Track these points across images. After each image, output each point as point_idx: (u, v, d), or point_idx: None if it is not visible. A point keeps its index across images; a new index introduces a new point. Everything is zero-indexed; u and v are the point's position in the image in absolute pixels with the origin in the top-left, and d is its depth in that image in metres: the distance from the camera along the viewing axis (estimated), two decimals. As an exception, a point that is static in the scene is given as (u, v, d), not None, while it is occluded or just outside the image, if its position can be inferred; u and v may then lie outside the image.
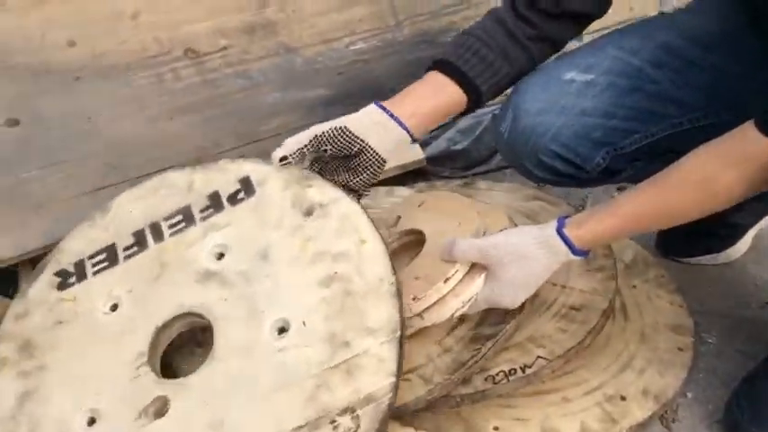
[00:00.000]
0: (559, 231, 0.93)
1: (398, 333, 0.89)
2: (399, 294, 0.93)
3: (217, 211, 1.06)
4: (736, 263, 1.35)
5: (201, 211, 1.07)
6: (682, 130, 1.08)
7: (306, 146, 1.02)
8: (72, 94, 1.30)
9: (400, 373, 0.88)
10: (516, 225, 1.09)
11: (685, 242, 1.36)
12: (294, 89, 1.48)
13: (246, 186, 1.07)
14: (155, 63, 1.37)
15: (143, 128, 1.34)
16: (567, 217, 0.95)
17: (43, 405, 0.96)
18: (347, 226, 1.00)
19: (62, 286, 1.06)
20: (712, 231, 1.34)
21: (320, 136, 1.01)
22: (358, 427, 0.83)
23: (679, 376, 1.11)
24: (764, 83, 0.84)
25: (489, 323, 1.06)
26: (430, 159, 1.55)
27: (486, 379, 1.03)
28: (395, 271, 0.95)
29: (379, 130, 1.01)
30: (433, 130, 1.58)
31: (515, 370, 1.04)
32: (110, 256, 1.07)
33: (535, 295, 1.04)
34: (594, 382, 1.09)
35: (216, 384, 0.91)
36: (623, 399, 1.06)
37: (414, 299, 0.98)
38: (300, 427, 0.84)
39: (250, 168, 1.10)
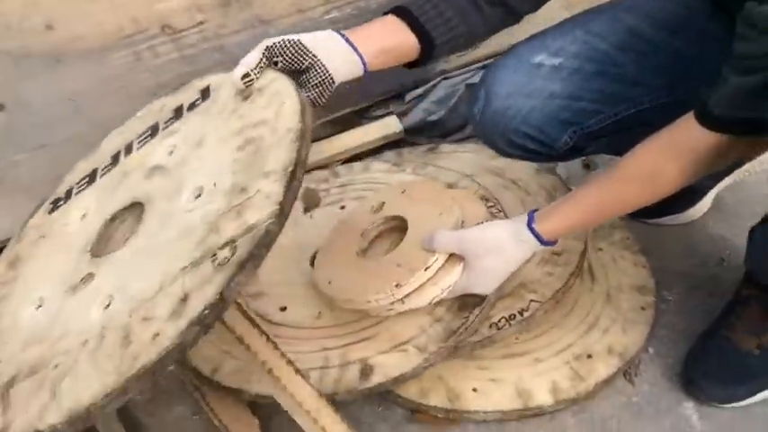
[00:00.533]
0: (530, 226, 1.02)
1: (290, 169, 0.87)
2: (303, 138, 0.90)
3: (177, 120, 1.10)
4: (697, 222, 1.43)
5: (165, 123, 1.11)
6: (643, 108, 1.14)
7: (261, 59, 1.00)
8: (54, 76, 1.32)
9: (288, 204, 0.85)
10: (492, 214, 1.22)
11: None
12: (272, 62, 1.50)
13: (204, 94, 1.11)
14: (132, 42, 1.39)
15: (125, 106, 1.34)
16: (535, 211, 1.04)
17: (7, 307, 1.02)
18: (275, 99, 0.98)
19: (53, 210, 1.13)
20: (675, 193, 1.41)
21: (272, 47, 1.00)
22: (233, 254, 0.82)
23: (642, 334, 1.20)
24: (714, 71, 0.90)
25: None
26: (407, 130, 1.59)
27: (490, 326, 1.13)
28: (303, 120, 0.92)
29: (331, 48, 1.00)
30: (407, 101, 1.62)
31: (514, 315, 1.14)
32: (91, 178, 1.13)
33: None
34: (563, 342, 1.17)
35: (132, 253, 0.93)
36: (590, 357, 1.15)
37: (396, 285, 1.05)
38: (185, 267, 0.84)
39: (212, 79, 1.13)
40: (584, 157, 1.59)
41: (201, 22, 1.46)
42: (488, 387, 1.12)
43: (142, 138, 1.13)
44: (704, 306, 1.25)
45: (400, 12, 1.06)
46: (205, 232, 0.87)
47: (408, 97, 1.61)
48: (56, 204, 1.14)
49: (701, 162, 0.93)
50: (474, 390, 1.11)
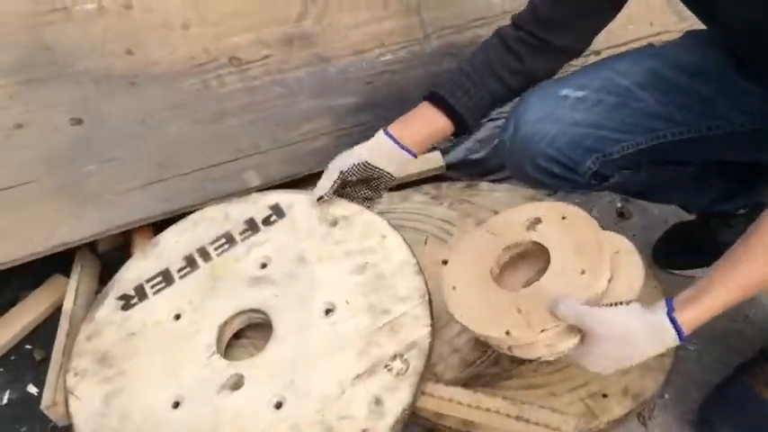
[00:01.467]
0: (670, 316, 0.94)
1: (426, 297, 1.11)
2: (421, 271, 1.14)
3: (254, 233, 1.27)
4: (726, 277, 1.46)
5: (241, 233, 1.28)
6: (665, 141, 1.20)
7: (335, 182, 1.24)
8: (128, 97, 1.45)
9: (434, 325, 1.09)
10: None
11: (679, 256, 1.48)
12: (326, 97, 1.61)
13: (277, 211, 1.29)
14: (202, 70, 1.52)
15: (189, 130, 1.49)
16: (671, 299, 0.97)
17: (129, 400, 1.11)
18: (369, 229, 1.21)
19: (126, 307, 1.24)
20: (704, 248, 1.45)
21: (346, 172, 1.23)
22: (408, 366, 1.04)
23: (658, 379, 1.23)
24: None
25: None
26: (449, 166, 1.67)
27: (512, 361, 1.18)
28: (415, 255, 1.16)
29: (390, 156, 1.25)
30: (452, 140, 1.70)
31: None
32: (165, 277, 1.26)
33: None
34: (581, 380, 1.22)
35: (281, 357, 1.09)
36: (605, 396, 1.19)
37: (507, 333, 1.01)
38: (360, 374, 1.04)
39: (278, 197, 1.32)
40: (619, 206, 1.65)
41: (266, 57, 1.58)
42: (501, 408, 1.17)
43: (217, 244, 1.28)
44: (724, 359, 1.28)
45: (434, 99, 1.25)
46: (364, 345, 1.07)
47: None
48: (128, 302, 1.25)
49: None
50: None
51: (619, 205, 1.65)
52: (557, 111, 1.21)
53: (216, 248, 1.26)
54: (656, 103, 1.19)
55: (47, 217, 1.35)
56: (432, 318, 1.10)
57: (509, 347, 1.04)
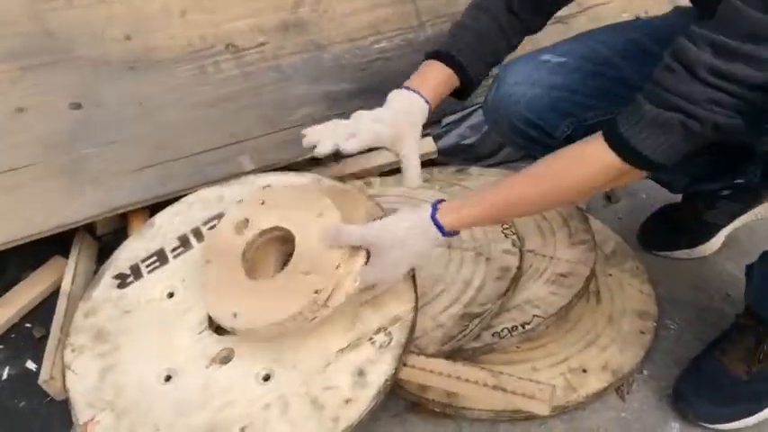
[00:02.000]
0: (433, 218, 1.05)
1: (412, 273, 1.14)
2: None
3: None
4: (709, 258, 1.49)
5: None
6: None
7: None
8: (126, 82, 1.49)
9: (417, 300, 1.13)
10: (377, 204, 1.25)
11: (664, 237, 1.51)
12: (321, 83, 1.65)
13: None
14: (199, 56, 1.56)
15: (186, 114, 1.53)
16: (440, 201, 1.07)
17: (124, 374, 1.15)
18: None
19: (122, 285, 1.27)
20: (689, 229, 1.48)
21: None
22: (391, 339, 1.08)
23: (637, 355, 1.27)
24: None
25: (478, 303, 1.24)
26: (441, 151, 1.71)
27: (492, 335, 1.22)
28: None
29: (411, 104, 1.22)
30: (444, 125, 1.73)
31: (516, 327, 1.23)
32: (160, 257, 1.29)
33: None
34: (561, 355, 1.25)
35: None
36: (584, 371, 1.23)
37: (316, 292, 1.04)
38: (343, 348, 1.08)
39: (272, 179, 1.34)
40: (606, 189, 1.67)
41: (262, 44, 1.62)
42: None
43: (211, 224, 1.31)
44: (703, 336, 1.31)
45: (440, 56, 1.24)
46: (348, 320, 1.11)
47: (445, 122, 1.73)
48: (124, 280, 1.28)
49: (597, 180, 1.00)
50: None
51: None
52: (536, 74, 1.26)
53: (210, 228, 1.30)
54: (633, 73, 1.22)
55: (46, 199, 1.39)
56: (416, 293, 1.14)
57: (326, 304, 1.06)
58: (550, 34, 1.81)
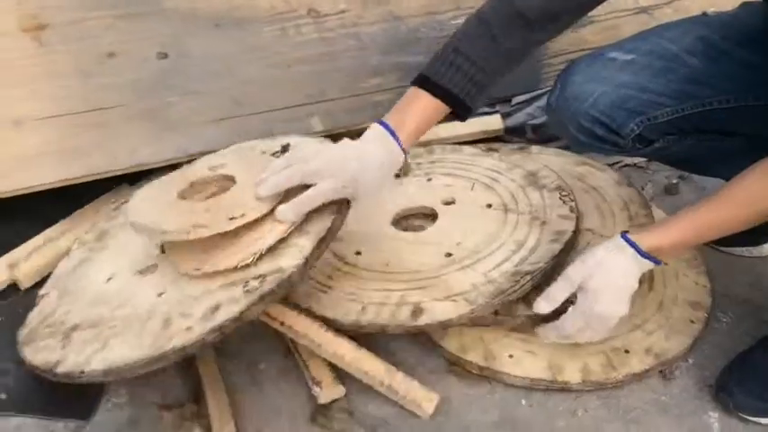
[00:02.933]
0: (626, 238, 1.09)
1: (322, 234, 1.10)
2: (340, 212, 1.13)
3: None
4: (769, 258, 1.46)
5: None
6: (711, 109, 1.22)
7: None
8: (211, 37, 1.56)
9: (313, 259, 1.09)
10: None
11: (727, 233, 1.48)
12: (395, 54, 1.68)
13: (284, 148, 1.31)
14: (281, 18, 1.62)
15: (264, 72, 1.59)
16: (625, 232, 1.11)
17: (87, 269, 1.31)
18: None
19: None
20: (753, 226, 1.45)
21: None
22: (260, 287, 1.06)
23: (684, 343, 1.26)
24: None
25: (530, 262, 1.25)
26: (508, 130, 1.72)
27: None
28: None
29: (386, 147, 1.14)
30: (513, 104, 1.75)
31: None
32: None
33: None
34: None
35: None
36: (627, 352, 1.23)
37: (194, 225, 1.08)
38: (222, 285, 1.09)
39: (294, 140, 1.34)
40: (674, 182, 1.65)
41: (343, 11, 1.67)
42: (523, 356, 1.22)
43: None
44: (755, 333, 1.28)
45: (427, 84, 1.15)
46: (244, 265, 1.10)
47: (515, 101, 1.75)
48: None
49: None
50: (510, 356, 1.22)
51: (674, 182, 1.66)
52: (603, 72, 1.24)
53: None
54: (703, 70, 1.21)
55: (129, 139, 1.49)
56: (315, 252, 1.09)
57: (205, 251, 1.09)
58: (632, 24, 1.81)
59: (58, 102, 1.45)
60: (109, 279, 1.24)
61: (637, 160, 1.70)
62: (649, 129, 1.25)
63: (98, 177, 1.47)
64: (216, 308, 1.05)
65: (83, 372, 1.05)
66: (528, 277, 1.21)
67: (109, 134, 1.48)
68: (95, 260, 1.32)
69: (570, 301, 1.13)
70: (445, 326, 1.20)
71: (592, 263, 1.10)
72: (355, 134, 1.60)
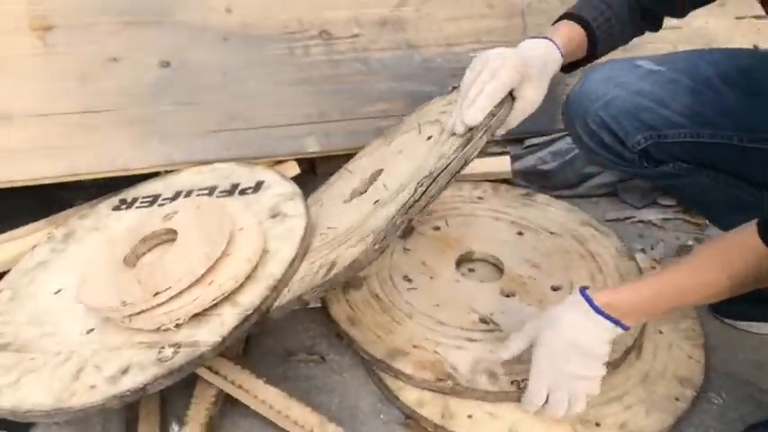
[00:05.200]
0: (584, 294, 1.01)
1: (249, 312, 1.06)
2: (275, 289, 1.09)
3: (227, 195, 1.34)
4: (777, 337, 1.33)
5: (221, 191, 1.36)
6: (730, 144, 1.12)
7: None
8: (217, 51, 1.54)
9: (230, 339, 1.04)
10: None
11: (734, 306, 1.35)
12: (405, 82, 1.63)
13: (256, 186, 1.34)
14: (291, 38, 1.59)
15: (266, 89, 1.56)
16: (585, 288, 1.03)
17: (42, 274, 1.29)
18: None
19: (116, 209, 1.40)
20: (763, 300, 1.32)
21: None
22: (172, 359, 1.01)
23: (665, 422, 1.14)
24: None
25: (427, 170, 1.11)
26: (517, 173, 1.63)
27: (512, 383, 1.13)
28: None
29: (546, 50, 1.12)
30: (525, 147, 1.66)
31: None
32: (152, 201, 1.39)
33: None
34: (577, 404, 1.15)
35: None
36: (597, 425, 1.12)
37: (123, 303, 1.05)
38: (142, 342, 1.06)
39: (269, 177, 1.36)
40: (689, 243, 1.53)
41: (356, 35, 1.63)
42: (484, 418, 1.13)
43: (199, 192, 1.39)
44: (749, 419, 1.16)
45: (576, 18, 1.17)
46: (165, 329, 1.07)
47: (527, 143, 1.66)
48: (120, 206, 1.41)
49: (750, 274, 0.92)
50: (469, 416, 1.13)
51: (689, 243, 1.54)
52: (623, 76, 1.18)
53: (194, 195, 1.37)
54: (734, 102, 1.11)
55: (117, 143, 1.46)
56: (236, 330, 1.05)
57: (129, 318, 1.06)
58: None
59: (51, 101, 1.44)
60: (56, 292, 1.21)
61: (652, 217, 1.58)
62: (659, 147, 1.16)
63: (80, 178, 1.44)
64: (125, 370, 1.02)
65: None
66: (427, 181, 1.07)
67: (97, 137, 1.45)
68: (52, 265, 1.30)
69: None
70: (355, 269, 1.07)
71: (546, 317, 1.04)
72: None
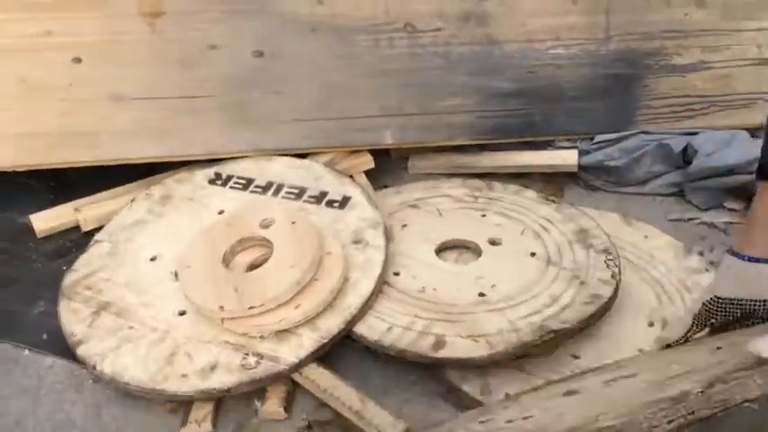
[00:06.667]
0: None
1: (326, 340, 1.22)
2: (353, 317, 1.26)
3: (315, 203, 1.49)
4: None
5: (310, 196, 1.51)
6: None
7: (692, 329, 1.08)
8: (306, 41, 1.65)
9: (307, 361, 1.21)
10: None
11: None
12: (482, 77, 1.69)
13: (342, 201, 1.49)
14: (377, 30, 1.67)
15: (349, 80, 1.66)
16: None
17: (140, 234, 1.45)
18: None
19: (212, 182, 1.56)
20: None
21: (699, 315, 1.07)
22: (255, 367, 1.18)
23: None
24: None
25: (559, 320, 1.24)
26: (583, 167, 1.67)
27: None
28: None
29: (755, 279, 1.04)
30: (594, 143, 1.70)
31: None
32: (246, 185, 1.54)
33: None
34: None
35: None
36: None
37: (221, 308, 1.22)
38: (228, 342, 1.22)
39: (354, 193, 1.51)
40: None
41: (438, 29, 1.70)
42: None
43: (290, 190, 1.54)
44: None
45: None
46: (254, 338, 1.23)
47: (597, 138, 1.69)
48: (216, 179, 1.57)
49: None
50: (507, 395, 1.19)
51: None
52: None
53: (287, 192, 1.52)
54: None
55: (209, 128, 1.61)
56: (312, 355, 1.21)
57: (222, 320, 1.23)
58: (748, 75, 1.70)
59: (156, 85, 1.60)
60: (152, 259, 1.38)
61: (716, 220, 1.60)
62: None
63: (174, 160, 1.60)
64: (213, 367, 1.18)
65: (95, 367, 1.21)
66: (552, 335, 1.21)
67: (193, 121, 1.61)
68: (150, 227, 1.46)
69: None
70: (462, 364, 1.21)
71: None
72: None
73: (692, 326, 1.06)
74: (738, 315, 1.02)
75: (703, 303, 1.05)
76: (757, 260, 1.02)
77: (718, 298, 1.03)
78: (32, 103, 1.57)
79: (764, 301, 1.01)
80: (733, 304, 1.02)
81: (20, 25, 1.56)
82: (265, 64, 1.64)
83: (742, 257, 1.02)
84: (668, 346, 1.09)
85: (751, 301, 1.01)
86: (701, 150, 1.60)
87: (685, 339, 1.07)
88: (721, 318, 1.04)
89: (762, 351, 0.91)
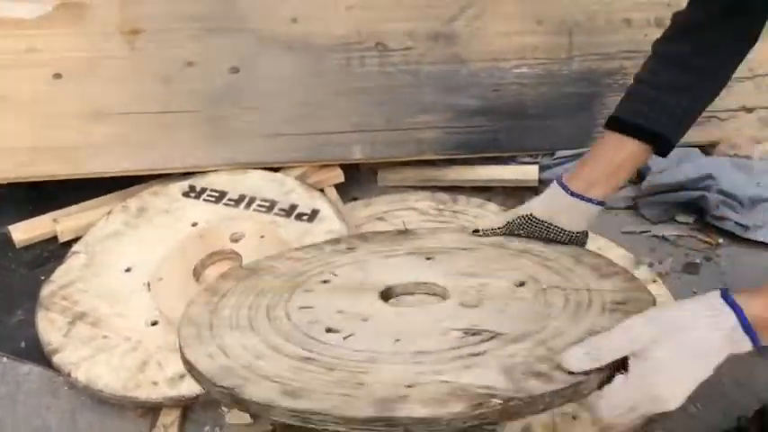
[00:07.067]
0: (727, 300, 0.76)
1: None
2: None
3: (285, 216, 1.55)
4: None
5: (280, 209, 1.56)
6: None
7: (500, 228, 1.15)
8: (281, 59, 1.72)
9: None
10: None
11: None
12: (450, 95, 1.76)
13: (311, 215, 1.54)
14: (349, 49, 1.75)
15: (321, 97, 1.73)
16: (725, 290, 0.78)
17: (116, 246, 1.51)
18: None
19: (186, 195, 1.62)
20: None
21: (511, 223, 1.13)
22: None
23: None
24: None
25: None
26: (543, 182, 1.75)
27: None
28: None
29: (567, 210, 1.09)
30: (555, 158, 1.77)
31: None
32: (219, 198, 1.60)
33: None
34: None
35: None
36: (574, 418, 1.26)
37: None
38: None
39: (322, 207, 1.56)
40: (697, 261, 1.60)
41: (409, 48, 1.77)
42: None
43: (260, 203, 1.60)
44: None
45: (615, 123, 1.08)
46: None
47: (557, 154, 1.77)
48: (189, 192, 1.62)
49: None
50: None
51: (696, 261, 1.63)
52: None
53: (258, 206, 1.57)
54: None
55: (188, 142, 1.67)
56: None
57: None
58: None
59: (134, 101, 1.66)
60: (127, 270, 1.44)
61: (667, 233, 1.68)
62: None
63: (154, 173, 1.67)
64: (182, 376, 1.22)
65: (70, 375, 1.26)
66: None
67: (171, 136, 1.67)
68: (125, 239, 1.52)
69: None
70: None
71: (668, 324, 0.76)
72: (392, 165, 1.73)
73: (503, 228, 1.14)
74: (543, 236, 1.11)
75: (520, 216, 1.13)
76: (576, 195, 1.08)
77: (534, 216, 1.11)
78: (13, 117, 1.62)
79: (569, 231, 1.10)
80: (543, 226, 1.11)
81: (1, 42, 1.62)
82: (241, 80, 1.71)
83: (566, 189, 1.09)
84: (476, 231, 1.16)
85: (558, 228, 1.10)
86: (653, 167, 1.68)
87: (492, 233, 1.15)
88: (527, 233, 1.13)
89: (571, 365, 0.76)
